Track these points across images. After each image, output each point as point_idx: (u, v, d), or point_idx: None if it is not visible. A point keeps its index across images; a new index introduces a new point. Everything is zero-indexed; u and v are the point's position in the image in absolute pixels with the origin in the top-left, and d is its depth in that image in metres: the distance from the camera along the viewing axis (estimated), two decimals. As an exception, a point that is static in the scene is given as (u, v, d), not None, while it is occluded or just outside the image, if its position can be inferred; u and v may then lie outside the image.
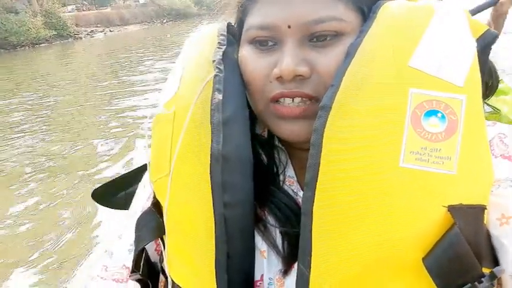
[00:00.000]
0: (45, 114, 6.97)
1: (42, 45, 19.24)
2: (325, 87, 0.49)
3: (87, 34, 22.39)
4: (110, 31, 23.77)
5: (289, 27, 0.50)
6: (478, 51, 0.47)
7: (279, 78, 0.50)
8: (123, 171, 4.29)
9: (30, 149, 5.30)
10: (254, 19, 0.53)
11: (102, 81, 9.23)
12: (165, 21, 29.00)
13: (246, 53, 0.54)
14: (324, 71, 0.50)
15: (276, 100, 0.52)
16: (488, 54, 0.50)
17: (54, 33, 20.24)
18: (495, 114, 0.72)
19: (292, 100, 0.51)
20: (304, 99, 0.51)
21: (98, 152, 4.99)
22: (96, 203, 0.93)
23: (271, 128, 0.55)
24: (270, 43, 0.52)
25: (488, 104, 0.56)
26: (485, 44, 0.48)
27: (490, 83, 0.51)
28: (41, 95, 8.39)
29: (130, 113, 6.44)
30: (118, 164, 4.50)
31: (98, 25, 24.37)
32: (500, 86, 0.70)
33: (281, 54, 0.51)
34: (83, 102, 7.49)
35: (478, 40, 0.48)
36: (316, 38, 0.50)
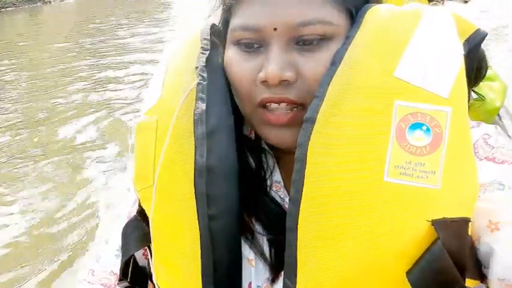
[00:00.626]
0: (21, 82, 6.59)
1: (9, 9, 18.17)
2: (310, 92, 0.47)
3: (57, -2, 21.28)
4: (81, -5, 22.63)
5: (275, 29, 0.48)
6: (465, 53, 0.46)
7: (265, 83, 0.49)
8: (104, 147, 4.09)
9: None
10: (239, 20, 0.51)
11: (79, 50, 8.73)
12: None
13: (232, 55, 0.52)
14: (310, 76, 0.48)
15: (263, 105, 0.50)
16: (476, 55, 0.49)
17: (22, -4, 19.17)
18: (480, 101, 0.72)
19: (279, 105, 0.49)
20: (289, 105, 0.49)
21: (76, 129, 4.66)
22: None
23: (258, 132, 0.53)
24: (256, 45, 0.50)
25: (473, 91, 0.56)
26: (474, 44, 0.48)
27: (479, 70, 0.50)
28: (13, 63, 7.93)
29: (110, 84, 6.11)
30: (100, 141, 4.33)
31: (67, -11, 23.17)
32: (489, 72, 0.69)
33: (267, 57, 0.49)
34: (59, 72, 7.10)
35: (467, 40, 0.47)
36: (303, 41, 0.48)
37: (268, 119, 0.50)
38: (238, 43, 0.51)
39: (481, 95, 0.61)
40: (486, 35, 0.48)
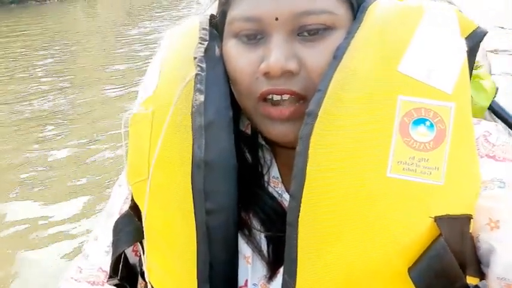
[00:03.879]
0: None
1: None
2: (313, 84, 0.43)
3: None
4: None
5: (276, 19, 0.44)
6: (467, 52, 0.43)
7: (267, 74, 0.44)
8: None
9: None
10: (238, 11, 0.46)
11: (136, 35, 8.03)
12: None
13: (231, 48, 0.47)
14: (313, 68, 0.44)
15: (264, 98, 0.46)
16: (476, 53, 0.46)
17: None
18: None
19: (281, 97, 0.45)
20: (292, 96, 0.45)
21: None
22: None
23: (258, 127, 0.49)
24: (258, 36, 0.45)
25: None
26: (474, 43, 0.44)
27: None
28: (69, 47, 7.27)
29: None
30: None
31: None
32: (480, 71, 0.65)
33: (268, 48, 0.44)
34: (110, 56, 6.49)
35: (466, 39, 0.44)
36: (306, 31, 0.44)
37: (269, 113, 0.45)
38: (238, 35, 0.47)
39: None
40: (486, 34, 0.45)
